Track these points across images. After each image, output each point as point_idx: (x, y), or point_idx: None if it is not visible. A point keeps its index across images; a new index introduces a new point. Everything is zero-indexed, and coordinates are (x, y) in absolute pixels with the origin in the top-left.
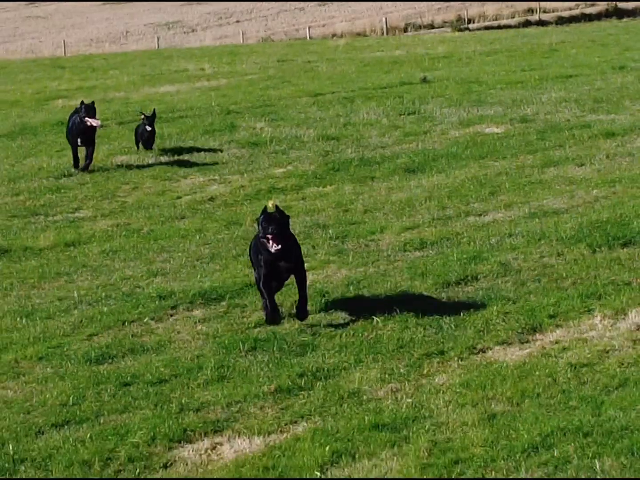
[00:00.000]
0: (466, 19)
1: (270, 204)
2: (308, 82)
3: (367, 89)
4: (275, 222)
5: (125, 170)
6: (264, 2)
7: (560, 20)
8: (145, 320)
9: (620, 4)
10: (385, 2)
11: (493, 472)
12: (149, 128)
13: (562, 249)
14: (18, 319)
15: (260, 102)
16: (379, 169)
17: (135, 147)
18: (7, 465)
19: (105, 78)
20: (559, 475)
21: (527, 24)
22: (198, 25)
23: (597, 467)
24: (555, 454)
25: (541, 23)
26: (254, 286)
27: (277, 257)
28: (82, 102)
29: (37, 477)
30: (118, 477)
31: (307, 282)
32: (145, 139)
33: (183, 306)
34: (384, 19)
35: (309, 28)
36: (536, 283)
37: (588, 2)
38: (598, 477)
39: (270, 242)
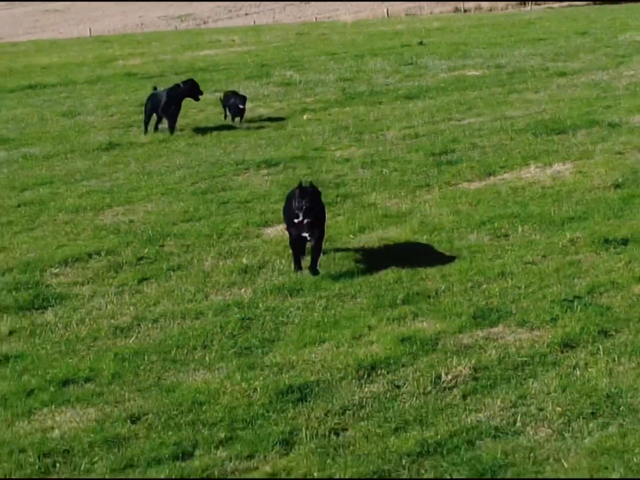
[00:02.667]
0: (463, 10)
1: (305, 117)
2: (324, 47)
3: (374, 49)
4: (308, 196)
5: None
6: None
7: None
8: (228, 175)
9: None
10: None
11: (457, 234)
12: (241, 106)
13: (514, 136)
14: (140, 177)
15: (286, 59)
16: (384, 97)
17: (223, 117)
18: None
19: (150, 47)
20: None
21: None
22: (209, 18)
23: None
24: (496, 225)
25: None
26: (299, 157)
27: (304, 229)
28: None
29: None
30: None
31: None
32: (235, 113)
33: (253, 168)
34: (385, 10)
35: (315, 19)
36: (494, 153)
37: None
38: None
39: (301, 215)
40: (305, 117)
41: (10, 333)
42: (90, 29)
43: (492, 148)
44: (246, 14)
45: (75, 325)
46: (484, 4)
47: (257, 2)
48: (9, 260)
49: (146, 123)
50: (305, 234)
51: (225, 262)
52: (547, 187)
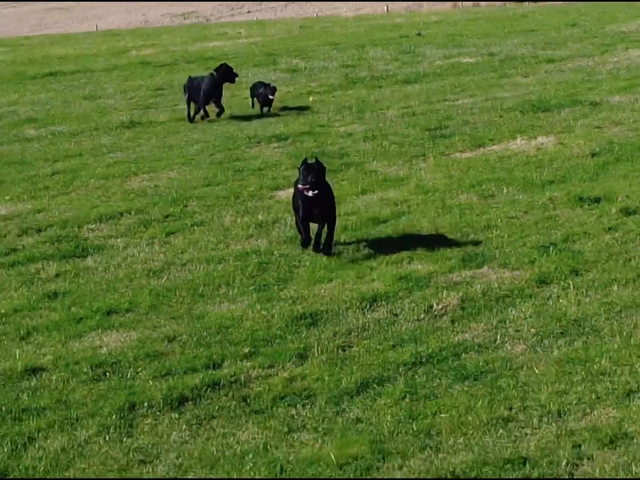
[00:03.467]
0: (461, 7)
1: (310, 99)
2: (327, 38)
3: (374, 40)
4: (314, 171)
5: None
6: None
7: None
8: (242, 148)
9: None
10: None
11: (448, 195)
12: (271, 97)
13: (503, 114)
14: (162, 150)
15: (291, 49)
16: (384, 81)
17: (251, 106)
18: None
19: (160, 39)
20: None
21: None
22: (212, 16)
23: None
24: (484, 187)
25: None
26: (306, 132)
27: (313, 202)
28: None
29: None
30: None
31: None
32: (264, 103)
33: (264, 141)
34: (385, 7)
35: (316, 15)
36: (484, 128)
37: None
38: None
39: (309, 191)
40: (310, 98)
41: (57, 275)
42: (96, 26)
43: (482, 124)
44: (248, 12)
45: (113, 269)
46: (482, 3)
47: (259, 1)
48: (48, 218)
49: (189, 110)
50: (317, 208)
51: (242, 219)
52: (531, 156)
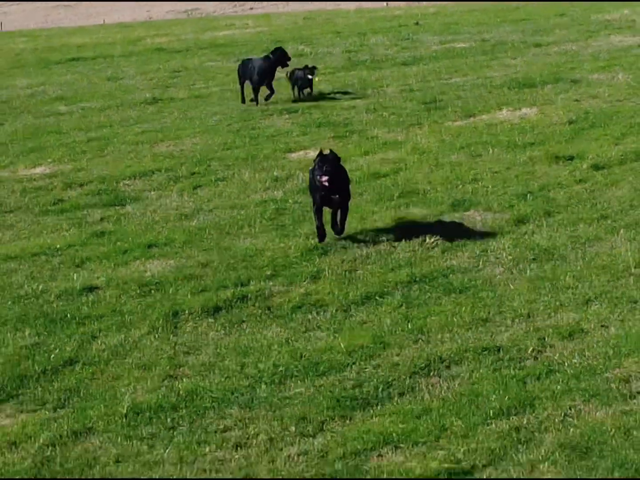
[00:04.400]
0: None
1: (316, 79)
2: (330, 28)
3: (375, 29)
4: (329, 162)
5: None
6: None
7: None
8: (256, 119)
9: None
10: None
11: (441, 155)
12: (310, 77)
13: (492, 89)
14: (184, 121)
15: (297, 37)
16: (384, 64)
17: (292, 96)
18: None
19: (171, 29)
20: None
21: None
22: (215, 12)
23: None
24: (472, 148)
25: None
26: (314, 106)
27: (328, 191)
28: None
29: None
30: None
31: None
32: (304, 85)
33: (276, 113)
34: (385, 4)
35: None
36: (474, 101)
37: None
38: None
39: (324, 178)
40: (317, 79)
41: (101, 219)
42: (104, 20)
43: (473, 98)
44: (251, 9)
45: (149, 214)
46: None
47: (261, 1)
48: (88, 175)
49: (242, 91)
50: (334, 196)
51: (260, 175)
52: (515, 124)
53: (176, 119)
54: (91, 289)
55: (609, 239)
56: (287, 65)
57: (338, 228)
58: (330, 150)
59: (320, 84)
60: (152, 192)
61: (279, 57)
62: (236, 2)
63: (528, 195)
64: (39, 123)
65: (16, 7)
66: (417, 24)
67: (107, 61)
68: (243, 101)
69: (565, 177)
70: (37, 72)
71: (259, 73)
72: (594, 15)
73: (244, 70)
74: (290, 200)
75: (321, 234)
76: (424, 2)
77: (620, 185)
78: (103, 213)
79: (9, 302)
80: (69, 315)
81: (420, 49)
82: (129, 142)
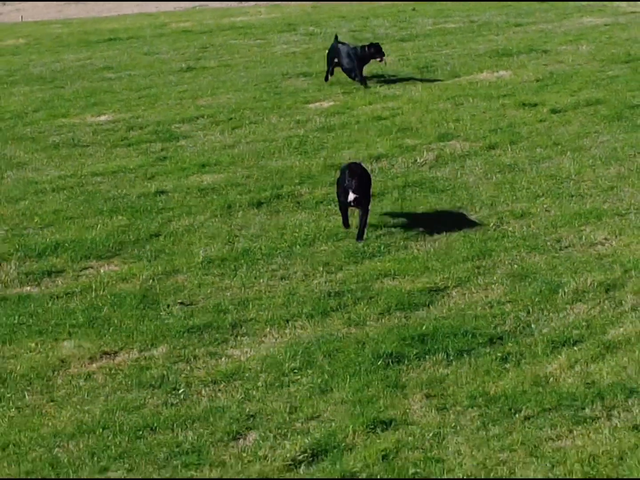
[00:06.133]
0: None
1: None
2: (335, 13)
3: (376, 14)
4: (357, 174)
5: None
6: None
7: None
8: (278, 81)
9: None
10: None
11: (430, 104)
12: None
13: (475, 58)
14: (218, 83)
15: (307, 20)
16: (384, 40)
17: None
18: None
19: (190, 17)
20: None
21: None
22: (221, 8)
23: None
24: (456, 99)
25: None
26: (325, 71)
27: (353, 203)
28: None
29: None
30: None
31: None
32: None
33: (294, 77)
34: None
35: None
36: (460, 66)
37: None
38: None
39: (351, 197)
40: (327, 51)
41: (162, 149)
42: (118, 14)
43: (459, 64)
44: (255, 3)
45: (199, 145)
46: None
47: (264, 1)
48: (145, 121)
49: (328, 71)
50: (353, 204)
51: (284, 119)
52: (492, 82)
53: (210, 81)
54: (162, 192)
55: (558, 158)
56: (381, 60)
57: (357, 234)
58: (356, 163)
59: None
60: (199, 132)
61: (375, 51)
62: (242, 1)
63: (498, 130)
64: (94, 86)
65: (28, 4)
66: (413, 9)
67: (140, 41)
68: (326, 79)
69: (528, 118)
70: (81, 49)
71: (358, 60)
72: (572, 2)
73: (339, 52)
74: (310, 136)
75: (346, 225)
76: None
77: (571, 123)
78: (162, 145)
79: (102, 201)
80: (149, 207)
81: (416, 29)
82: (174, 98)
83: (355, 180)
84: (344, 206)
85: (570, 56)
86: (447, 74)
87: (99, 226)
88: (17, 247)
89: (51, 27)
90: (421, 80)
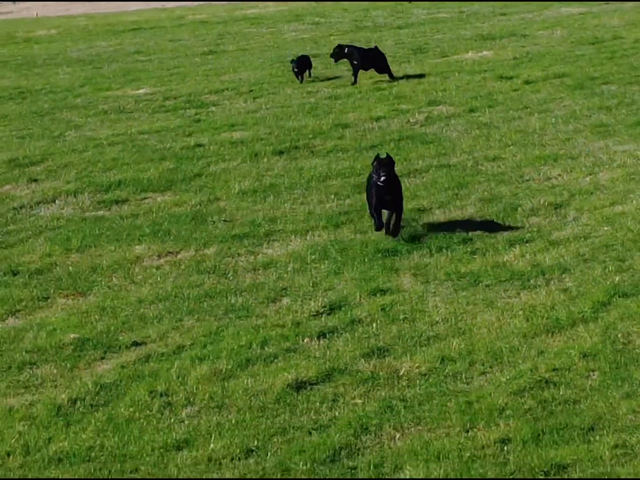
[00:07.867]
0: None
1: (331, 37)
2: (339, 6)
3: (376, 6)
4: (385, 165)
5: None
6: None
7: None
8: (288, 62)
9: None
10: None
11: (422, 77)
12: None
13: (463, 41)
14: (237, 63)
15: (313, 12)
16: (383, 28)
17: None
18: None
19: (203, 10)
20: None
21: None
22: (225, 5)
23: None
24: (444, 74)
25: None
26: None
27: (384, 190)
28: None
29: None
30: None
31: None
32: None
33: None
34: None
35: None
36: (449, 48)
37: None
38: None
39: (382, 178)
40: (332, 37)
41: (195, 114)
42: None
43: (448, 47)
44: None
45: (227, 112)
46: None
47: (266, 1)
48: (178, 93)
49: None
50: (388, 196)
51: (298, 90)
52: (476, 60)
53: (231, 62)
54: (200, 145)
55: (526, 118)
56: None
57: (393, 231)
58: (387, 154)
59: (334, 41)
60: (226, 101)
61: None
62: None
63: (478, 97)
64: (129, 66)
65: (37, 3)
66: (410, 1)
67: (162, 30)
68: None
69: (505, 88)
70: (110, 37)
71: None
72: None
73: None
74: (320, 103)
75: (379, 226)
76: None
77: (540, 92)
78: (196, 111)
79: (151, 151)
80: (190, 156)
81: (412, 18)
82: (201, 74)
83: (385, 169)
84: (377, 207)
85: (545, 39)
86: (437, 54)
87: (151, 169)
88: (87, 184)
89: (76, 20)
90: (415, 59)
